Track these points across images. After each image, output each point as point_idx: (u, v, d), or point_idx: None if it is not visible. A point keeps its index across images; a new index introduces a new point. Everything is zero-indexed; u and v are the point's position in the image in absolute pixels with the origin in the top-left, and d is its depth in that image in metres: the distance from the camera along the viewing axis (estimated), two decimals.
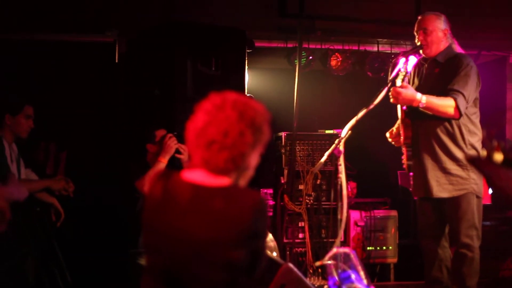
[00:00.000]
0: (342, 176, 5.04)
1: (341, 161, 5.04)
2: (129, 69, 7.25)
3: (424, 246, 5.54)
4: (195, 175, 2.72)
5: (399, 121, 5.52)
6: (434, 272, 5.41)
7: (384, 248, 7.41)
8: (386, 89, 5.16)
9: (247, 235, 2.61)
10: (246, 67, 6.98)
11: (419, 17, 5.46)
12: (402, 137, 5.46)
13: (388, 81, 5.21)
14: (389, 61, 6.72)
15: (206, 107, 2.71)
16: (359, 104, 5.22)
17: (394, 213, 7.49)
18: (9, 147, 5.27)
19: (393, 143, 5.64)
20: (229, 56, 6.81)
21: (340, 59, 7.86)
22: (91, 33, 7.28)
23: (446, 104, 5.13)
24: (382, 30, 7.92)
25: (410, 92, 5.12)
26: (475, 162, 2.06)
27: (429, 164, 5.30)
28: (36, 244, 5.51)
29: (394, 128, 5.59)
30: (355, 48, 7.97)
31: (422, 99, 5.09)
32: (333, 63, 7.88)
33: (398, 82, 5.12)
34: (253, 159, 2.73)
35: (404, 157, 5.57)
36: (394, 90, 5.11)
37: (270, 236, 6.02)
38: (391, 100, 5.22)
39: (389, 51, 8.00)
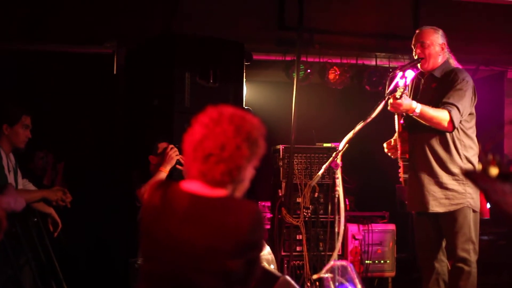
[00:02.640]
0: (340, 189, 5.05)
1: (339, 174, 5.06)
2: (127, 80, 7.26)
3: (421, 260, 5.54)
4: (193, 186, 2.75)
5: (396, 135, 5.53)
6: (432, 286, 5.40)
7: (382, 261, 7.40)
8: (383, 102, 5.17)
9: (244, 245, 2.64)
10: (244, 79, 7.00)
11: (417, 31, 5.48)
12: (399, 151, 5.47)
13: (386, 94, 5.21)
14: (387, 75, 6.73)
15: (203, 120, 2.74)
16: (357, 117, 5.24)
17: (392, 226, 7.49)
18: (6, 157, 5.26)
19: (389, 154, 5.65)
20: (227, 68, 6.82)
21: (338, 72, 7.89)
22: (90, 44, 7.30)
23: (440, 116, 5.15)
24: (380, 44, 7.96)
25: (408, 101, 5.12)
26: (470, 176, 2.06)
27: (425, 178, 5.30)
28: (34, 254, 5.51)
29: (392, 140, 5.60)
30: (353, 61, 8.01)
31: (417, 108, 5.11)
32: (331, 76, 7.90)
33: (398, 94, 5.11)
34: (249, 172, 2.77)
35: (401, 171, 5.58)
36: (395, 102, 5.10)
37: (267, 249, 6.01)
38: (389, 108, 5.22)
39: (387, 65, 8.03)
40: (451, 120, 5.14)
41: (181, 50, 6.63)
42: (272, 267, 5.73)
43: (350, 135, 5.12)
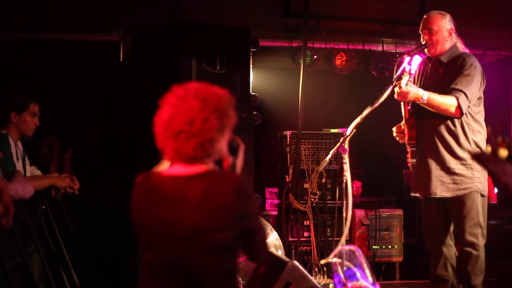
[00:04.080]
0: (347, 174, 5.05)
1: (346, 159, 5.05)
2: (133, 68, 7.26)
3: (429, 245, 5.54)
4: (173, 169, 2.80)
5: (403, 120, 5.53)
6: (439, 270, 5.41)
7: (390, 247, 7.41)
8: (390, 88, 5.16)
9: (232, 217, 2.67)
10: (251, 66, 6.99)
11: (424, 16, 5.45)
12: (406, 137, 5.47)
13: (393, 80, 5.19)
14: (393, 60, 6.72)
15: (170, 100, 2.77)
16: (364, 103, 5.23)
17: (399, 212, 7.49)
18: (15, 144, 5.28)
19: (397, 138, 5.64)
20: (234, 55, 6.81)
21: (345, 58, 7.88)
22: (96, 32, 7.30)
23: (447, 103, 5.14)
24: (386, 29, 7.92)
25: (414, 89, 5.11)
26: (480, 158, 2.05)
27: (433, 163, 5.30)
28: (42, 241, 5.53)
29: (401, 124, 5.59)
30: (360, 47, 7.99)
31: (424, 95, 5.10)
32: (337, 62, 7.89)
33: (404, 82, 5.09)
34: (222, 144, 2.79)
35: (409, 156, 5.58)
36: (401, 91, 5.09)
37: (275, 235, 6.03)
38: (396, 96, 5.22)
39: (394, 51, 8.01)
40: (459, 106, 5.13)
41: (187, 37, 6.62)
42: (280, 253, 5.75)
43: (357, 120, 5.11)
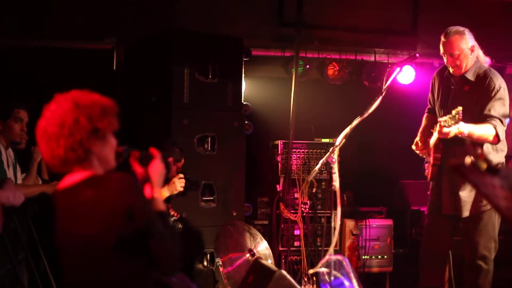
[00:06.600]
0: (336, 184, 5.06)
1: (335, 169, 5.07)
2: (126, 76, 7.27)
3: (426, 258, 5.51)
4: (63, 182, 2.81)
5: (419, 137, 5.47)
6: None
7: (380, 257, 7.43)
8: (380, 98, 5.14)
9: (118, 219, 2.64)
10: (243, 75, 7.01)
11: (443, 39, 5.24)
12: (431, 157, 5.34)
13: (383, 90, 5.18)
14: (385, 71, 6.71)
15: (49, 107, 2.80)
16: (356, 113, 5.23)
17: (389, 222, 7.51)
18: (5, 152, 5.28)
19: (420, 154, 5.57)
20: (226, 64, 6.84)
21: (337, 68, 7.90)
22: (90, 40, 7.30)
23: (487, 134, 5.05)
24: (379, 40, 7.97)
25: (454, 130, 4.85)
26: (460, 170, 2.07)
27: (460, 183, 5.20)
28: (32, 249, 5.52)
29: (418, 141, 5.53)
30: (352, 57, 8.01)
31: (465, 131, 4.90)
32: (330, 72, 7.91)
33: (447, 123, 4.88)
34: (104, 150, 2.79)
35: (428, 166, 5.44)
36: (443, 133, 4.90)
37: (265, 244, 6.04)
38: (437, 135, 5.10)
39: (386, 61, 8.04)
40: (497, 135, 5.07)
41: (180, 46, 6.65)
42: (270, 262, 5.76)
43: (347, 130, 5.12)
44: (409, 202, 7.83)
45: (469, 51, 5.21)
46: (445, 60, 5.29)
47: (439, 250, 5.45)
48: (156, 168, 2.94)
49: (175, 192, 5.54)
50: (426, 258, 5.53)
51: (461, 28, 5.24)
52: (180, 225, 5.54)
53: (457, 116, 4.72)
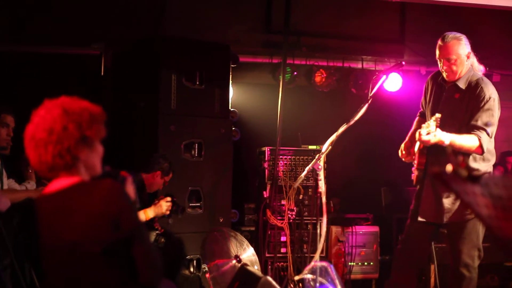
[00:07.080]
0: (322, 191, 5.07)
1: (321, 176, 5.08)
2: (114, 82, 7.27)
3: (399, 263, 5.50)
4: (50, 187, 2.82)
5: (404, 144, 5.45)
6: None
7: (366, 263, 7.44)
8: (366, 105, 5.14)
9: (104, 227, 2.66)
10: (231, 81, 7.03)
11: (441, 43, 5.19)
12: (415, 161, 5.32)
13: (369, 97, 5.19)
14: (372, 78, 6.73)
15: (38, 112, 2.80)
16: (343, 120, 5.22)
17: (376, 229, 7.52)
18: None
19: (402, 155, 5.53)
20: (213, 70, 6.86)
21: (325, 75, 7.93)
22: (77, 45, 7.30)
23: (470, 144, 5.02)
24: (366, 47, 8.00)
25: (434, 139, 4.88)
26: (441, 177, 2.08)
27: (442, 190, 5.18)
28: (18, 254, 5.50)
29: (402, 149, 5.46)
30: (340, 64, 8.05)
31: (446, 140, 4.91)
32: (317, 79, 7.94)
33: (424, 131, 4.85)
34: (91, 157, 2.80)
35: (414, 169, 5.41)
36: (423, 140, 4.92)
37: (251, 250, 6.05)
38: (418, 142, 5.10)
39: (373, 68, 8.08)
40: (481, 146, 5.03)
41: (167, 52, 6.67)
42: (256, 268, 5.77)
43: (333, 137, 5.12)
44: (396, 209, 7.85)
45: (465, 58, 5.16)
46: (440, 65, 5.24)
47: (413, 255, 5.39)
48: (131, 189, 2.93)
49: (160, 215, 5.58)
50: (400, 259, 5.47)
51: (458, 34, 5.20)
52: (163, 239, 5.57)
53: (434, 123, 4.75)
